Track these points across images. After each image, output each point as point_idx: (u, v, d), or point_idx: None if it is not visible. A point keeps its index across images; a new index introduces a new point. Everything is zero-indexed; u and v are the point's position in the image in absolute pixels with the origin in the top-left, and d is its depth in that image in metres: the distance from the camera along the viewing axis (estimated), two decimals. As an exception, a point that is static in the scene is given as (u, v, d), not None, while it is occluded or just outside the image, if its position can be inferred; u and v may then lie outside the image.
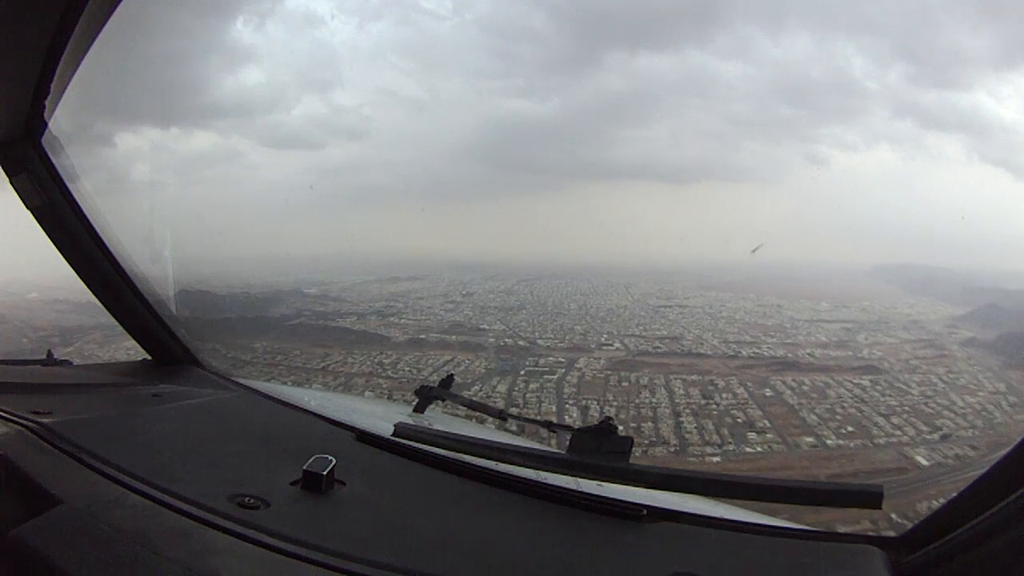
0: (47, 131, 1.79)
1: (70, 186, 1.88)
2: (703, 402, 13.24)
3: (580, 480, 1.43)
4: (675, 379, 13.92)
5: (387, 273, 20.01)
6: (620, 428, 1.43)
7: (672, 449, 11.89)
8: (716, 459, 11.69)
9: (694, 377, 14.11)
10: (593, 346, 15.79)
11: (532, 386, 13.98)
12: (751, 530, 1.33)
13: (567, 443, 1.46)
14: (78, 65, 1.66)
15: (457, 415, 2.54)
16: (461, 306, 18.34)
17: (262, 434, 1.71)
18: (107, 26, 1.57)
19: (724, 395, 13.47)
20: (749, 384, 13.81)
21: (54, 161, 1.83)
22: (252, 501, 1.23)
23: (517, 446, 1.56)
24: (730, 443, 12.07)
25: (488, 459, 1.49)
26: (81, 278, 2.00)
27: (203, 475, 1.37)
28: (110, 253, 1.98)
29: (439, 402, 2.24)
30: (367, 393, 12.88)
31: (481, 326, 17.06)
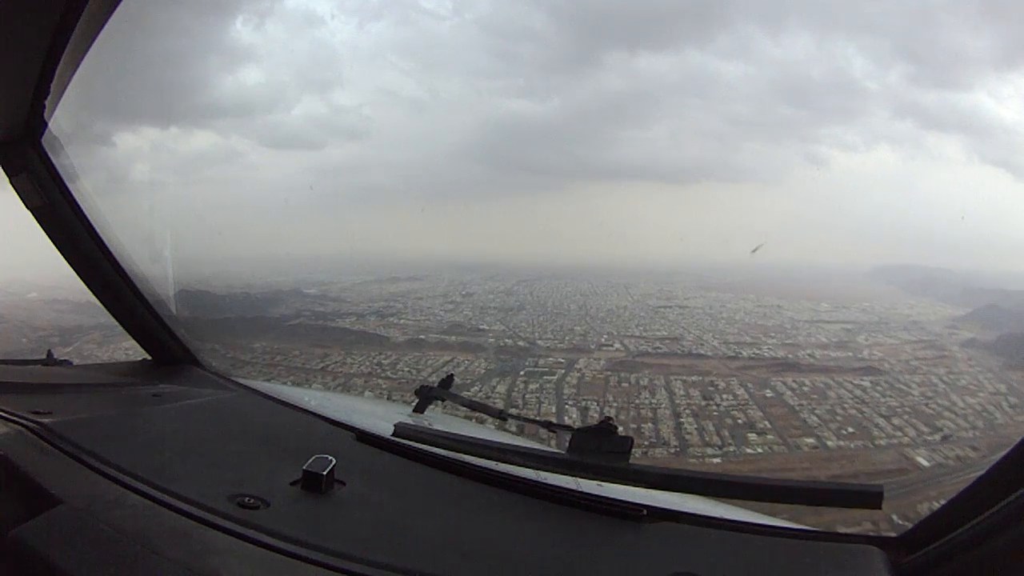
0: (47, 131, 1.79)
1: (70, 186, 1.88)
2: (703, 403, 13.20)
3: (580, 480, 1.43)
4: (675, 380, 13.87)
5: (387, 273, 19.97)
6: (620, 429, 1.43)
7: (672, 450, 11.85)
8: (716, 460, 11.67)
9: (694, 378, 14.07)
10: (593, 347, 15.75)
11: (532, 386, 13.93)
12: (751, 530, 1.33)
13: (567, 443, 1.46)
14: (78, 65, 1.66)
15: (457, 415, 2.54)
16: (461, 306, 18.31)
17: (262, 434, 1.71)
18: (107, 26, 1.58)
19: (724, 396, 13.42)
20: (749, 385, 13.77)
21: (54, 161, 1.83)
22: (252, 501, 1.23)
23: (517, 446, 1.56)
24: (731, 444, 12.03)
25: (488, 459, 1.49)
26: (81, 278, 2.01)
27: (203, 475, 1.36)
28: (110, 253, 1.98)
29: (439, 402, 2.24)
30: (367, 393, 12.86)
31: (481, 326, 17.03)
